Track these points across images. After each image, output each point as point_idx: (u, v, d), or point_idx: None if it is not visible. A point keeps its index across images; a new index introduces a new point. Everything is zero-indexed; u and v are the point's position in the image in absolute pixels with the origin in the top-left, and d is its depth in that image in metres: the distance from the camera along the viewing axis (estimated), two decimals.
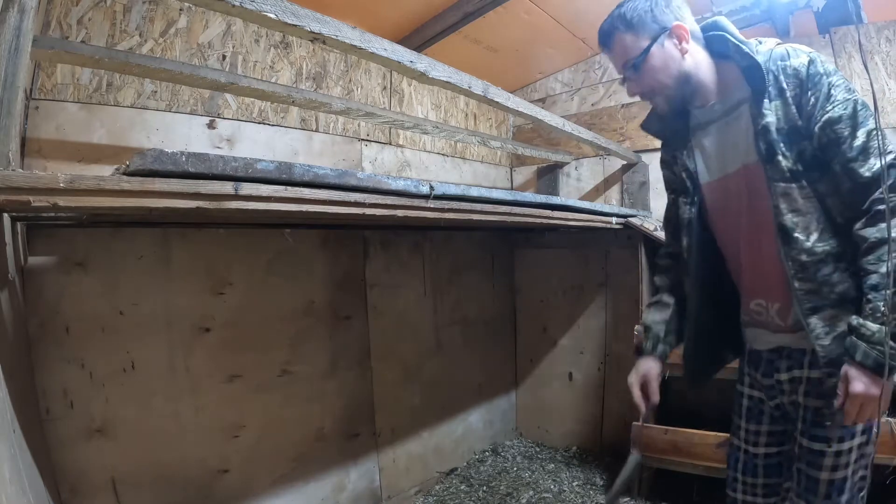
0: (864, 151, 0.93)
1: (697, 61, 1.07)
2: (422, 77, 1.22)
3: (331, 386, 2.01)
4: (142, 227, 1.51)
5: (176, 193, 0.81)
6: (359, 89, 2.20)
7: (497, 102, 1.50)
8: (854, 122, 0.93)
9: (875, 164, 0.91)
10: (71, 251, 1.41)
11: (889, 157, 0.91)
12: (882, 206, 0.90)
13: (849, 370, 0.92)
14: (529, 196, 1.60)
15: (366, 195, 1.08)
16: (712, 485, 1.90)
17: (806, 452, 1.06)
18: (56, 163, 1.40)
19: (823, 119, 0.95)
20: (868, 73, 1.15)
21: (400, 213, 1.17)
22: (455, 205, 1.31)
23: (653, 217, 2.42)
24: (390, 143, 2.35)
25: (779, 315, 1.09)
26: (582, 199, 2.81)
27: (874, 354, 0.88)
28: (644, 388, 1.25)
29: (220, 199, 0.86)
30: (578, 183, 2.89)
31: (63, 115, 1.41)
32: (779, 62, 1.00)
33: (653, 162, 2.61)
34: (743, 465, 1.18)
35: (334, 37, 0.98)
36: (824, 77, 0.96)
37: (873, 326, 0.89)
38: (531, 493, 2.30)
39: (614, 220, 2.08)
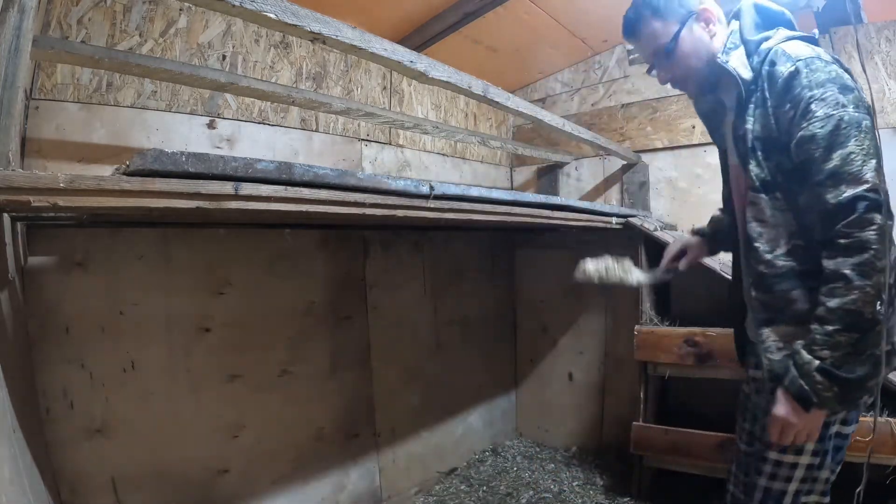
0: (834, 176, 0.86)
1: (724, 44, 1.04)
2: (422, 77, 1.22)
3: (331, 386, 2.01)
4: (142, 227, 1.51)
5: (176, 193, 0.81)
6: (359, 89, 2.20)
7: (497, 102, 1.50)
8: (830, 142, 0.86)
9: (844, 193, 0.84)
10: (71, 251, 1.40)
11: (860, 188, 0.84)
12: (843, 241, 0.85)
13: (779, 391, 0.92)
14: (529, 196, 1.60)
15: (366, 195, 1.08)
16: (715, 485, 1.90)
17: (749, 454, 1.06)
18: (56, 163, 1.40)
19: (798, 136, 0.90)
20: (866, 75, 1.14)
21: (400, 213, 1.17)
22: (455, 205, 1.31)
23: (653, 217, 2.42)
24: (390, 143, 2.35)
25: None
26: (582, 199, 2.81)
27: (798, 384, 0.88)
28: (678, 254, 1.40)
29: (220, 199, 0.86)
30: (578, 183, 2.89)
31: (63, 115, 1.41)
32: (767, 67, 0.95)
33: (653, 162, 2.61)
34: (736, 460, 1.17)
35: (334, 37, 0.98)
36: (805, 90, 0.89)
37: (806, 357, 0.87)
38: (531, 493, 2.30)
39: (614, 220, 2.08)
